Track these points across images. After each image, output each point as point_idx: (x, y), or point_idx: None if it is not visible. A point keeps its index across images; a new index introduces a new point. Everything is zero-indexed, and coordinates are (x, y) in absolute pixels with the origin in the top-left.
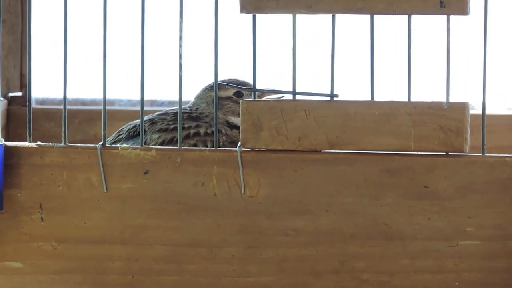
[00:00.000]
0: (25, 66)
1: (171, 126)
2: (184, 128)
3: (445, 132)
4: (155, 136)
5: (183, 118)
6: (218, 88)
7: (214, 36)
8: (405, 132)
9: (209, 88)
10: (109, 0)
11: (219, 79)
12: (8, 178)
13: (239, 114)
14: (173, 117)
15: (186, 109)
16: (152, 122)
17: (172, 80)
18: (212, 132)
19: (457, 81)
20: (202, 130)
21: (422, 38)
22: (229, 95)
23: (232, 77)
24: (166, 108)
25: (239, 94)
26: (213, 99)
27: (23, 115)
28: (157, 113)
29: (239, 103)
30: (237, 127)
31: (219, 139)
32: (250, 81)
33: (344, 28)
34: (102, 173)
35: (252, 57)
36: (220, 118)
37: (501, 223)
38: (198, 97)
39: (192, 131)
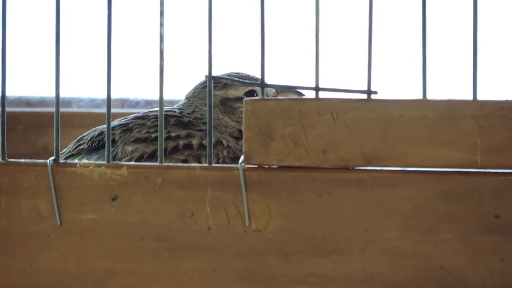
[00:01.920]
0: None
1: (153, 135)
2: (170, 137)
3: None
4: (130, 148)
5: (169, 123)
6: (224, 85)
7: (208, 11)
8: (469, 142)
9: (213, 84)
10: None
11: (219, 73)
12: None
13: None
14: (155, 122)
15: (174, 111)
16: (126, 128)
17: (150, 74)
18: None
19: None
20: (195, 141)
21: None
22: (239, 95)
23: (238, 71)
24: (144, 110)
25: (252, 94)
26: (219, 99)
27: None
28: (133, 115)
29: None
30: None
31: (218, 154)
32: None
33: (380, 5)
34: (54, 199)
35: (260, 41)
36: (232, 126)
37: None
38: (195, 96)
39: (181, 143)
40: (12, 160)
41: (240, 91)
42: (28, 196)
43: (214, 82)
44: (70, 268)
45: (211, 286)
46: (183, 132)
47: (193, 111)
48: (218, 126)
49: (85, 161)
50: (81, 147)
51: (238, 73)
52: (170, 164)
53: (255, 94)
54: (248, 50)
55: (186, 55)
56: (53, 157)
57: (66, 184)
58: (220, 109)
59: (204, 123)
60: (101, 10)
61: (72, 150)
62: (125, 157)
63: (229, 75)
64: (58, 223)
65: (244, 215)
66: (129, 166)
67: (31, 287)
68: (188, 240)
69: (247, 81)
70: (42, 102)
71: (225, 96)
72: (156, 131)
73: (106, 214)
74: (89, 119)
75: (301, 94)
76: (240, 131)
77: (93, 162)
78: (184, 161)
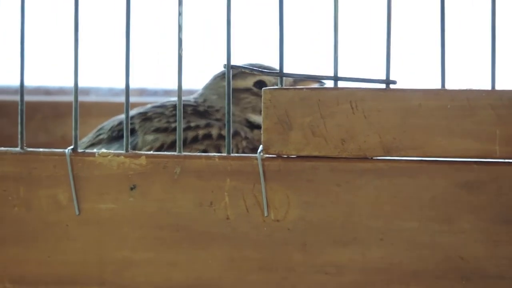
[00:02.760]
0: None
1: (173, 125)
2: (190, 127)
3: None
4: (150, 137)
5: (187, 113)
6: (234, 75)
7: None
8: (488, 132)
9: (222, 76)
10: None
11: (238, 63)
12: None
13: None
14: (174, 112)
15: (190, 100)
16: (146, 117)
17: (168, 63)
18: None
19: None
20: (214, 132)
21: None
22: (248, 86)
23: (252, 62)
24: (162, 100)
25: (261, 85)
26: (222, 90)
27: None
28: (151, 105)
29: (261, 96)
30: (260, 127)
31: (237, 144)
32: (277, 67)
33: None
34: (73, 188)
35: (279, 30)
36: (237, 116)
37: None
38: (207, 87)
39: (201, 133)
40: (30, 149)
41: (248, 82)
42: (46, 186)
43: (223, 74)
44: (89, 258)
45: (229, 276)
46: (202, 122)
47: (204, 100)
48: (225, 115)
49: (103, 150)
50: (101, 136)
51: (253, 64)
52: (188, 153)
53: (264, 85)
54: (266, 40)
55: (204, 45)
56: (71, 147)
57: (84, 174)
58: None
59: (217, 111)
60: None
61: (93, 139)
62: (145, 147)
63: (250, 66)
64: (77, 212)
65: (263, 205)
66: (147, 156)
67: (49, 278)
68: (206, 229)
69: (269, 71)
70: (60, 91)
71: (232, 86)
72: (175, 121)
73: (124, 204)
74: (108, 109)
75: (322, 83)
76: (247, 121)
77: (112, 151)
78: (204, 151)
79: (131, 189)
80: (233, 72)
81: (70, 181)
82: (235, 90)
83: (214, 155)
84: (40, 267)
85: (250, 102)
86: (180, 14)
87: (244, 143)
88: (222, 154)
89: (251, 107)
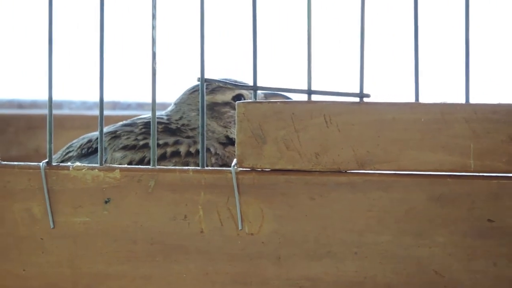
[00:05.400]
0: None
1: (141, 142)
2: (158, 145)
3: None
4: (118, 155)
5: (157, 130)
6: (212, 90)
7: (200, 16)
8: (462, 146)
9: (197, 89)
10: None
11: (211, 77)
12: None
13: None
14: (143, 129)
15: (162, 117)
16: (114, 135)
17: (141, 77)
18: (197, 151)
19: None
20: (183, 149)
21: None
22: (227, 100)
23: (225, 77)
24: (134, 115)
25: (240, 99)
26: (207, 104)
27: None
28: (122, 123)
29: None
30: None
31: (206, 161)
32: (250, 82)
33: (372, 9)
34: (47, 202)
35: (252, 44)
36: (218, 132)
37: None
38: (184, 102)
39: (169, 150)
40: (4, 163)
41: (227, 96)
42: (21, 199)
43: (198, 88)
44: (63, 271)
45: None
46: (171, 140)
47: (181, 117)
48: (205, 131)
49: (78, 164)
50: (71, 154)
51: (226, 79)
52: (162, 167)
53: (242, 99)
54: (240, 54)
55: (178, 58)
56: (46, 160)
57: (59, 187)
58: (208, 114)
59: (192, 129)
60: (93, 13)
61: (62, 157)
62: (114, 164)
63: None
64: (51, 226)
65: (237, 219)
66: (122, 169)
67: None
68: (181, 243)
69: (245, 85)
70: (33, 104)
71: (212, 101)
72: (144, 138)
73: (99, 217)
74: (81, 122)
75: (288, 98)
76: (228, 137)
77: (86, 165)
78: None
79: (106, 202)
80: (213, 86)
81: (45, 194)
82: (216, 105)
83: (188, 169)
84: (15, 280)
85: (232, 116)
86: (153, 27)
87: (213, 159)
88: (196, 168)
89: (233, 121)
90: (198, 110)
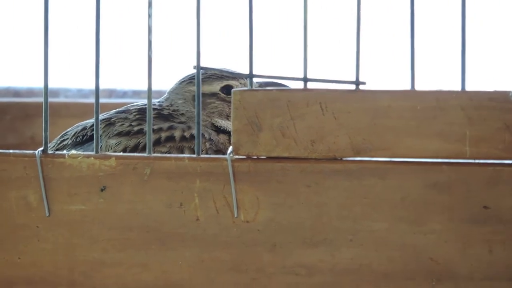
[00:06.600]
0: None
1: (135, 128)
2: (153, 130)
3: None
4: (113, 141)
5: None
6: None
7: (196, 4)
8: (458, 133)
9: (188, 80)
10: None
11: (207, 65)
12: None
13: (228, 116)
14: (137, 116)
15: (154, 104)
16: (109, 122)
17: (137, 65)
18: (191, 135)
19: None
20: (177, 134)
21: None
22: (214, 91)
23: (219, 67)
24: (130, 102)
25: (228, 90)
26: (193, 94)
27: None
28: (116, 110)
29: (228, 102)
30: (226, 132)
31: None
32: (244, 72)
33: None
34: (43, 190)
35: (249, 31)
36: (204, 120)
37: None
38: (173, 92)
39: (163, 135)
40: (0, 150)
41: (215, 87)
42: (16, 187)
43: (189, 78)
44: (59, 259)
45: (199, 277)
46: (165, 125)
47: (171, 105)
48: (191, 118)
49: (73, 152)
50: (65, 142)
51: (220, 69)
52: (158, 155)
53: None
54: (236, 42)
55: (174, 46)
56: (41, 148)
57: (55, 175)
58: (193, 104)
59: (182, 114)
60: (89, 0)
61: (57, 145)
62: (108, 151)
63: (218, 71)
64: (47, 214)
65: (233, 206)
66: (117, 157)
67: (20, 279)
68: (176, 231)
69: (237, 73)
70: (30, 92)
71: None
72: (138, 124)
73: (94, 205)
74: (77, 109)
75: (285, 86)
76: (213, 125)
77: (82, 153)
78: (167, 153)
79: (101, 190)
80: (202, 77)
81: (40, 182)
82: (202, 95)
83: (184, 156)
84: (10, 268)
85: (216, 107)
86: (149, 16)
87: (207, 144)
88: (192, 156)
89: (217, 112)
90: (185, 99)
